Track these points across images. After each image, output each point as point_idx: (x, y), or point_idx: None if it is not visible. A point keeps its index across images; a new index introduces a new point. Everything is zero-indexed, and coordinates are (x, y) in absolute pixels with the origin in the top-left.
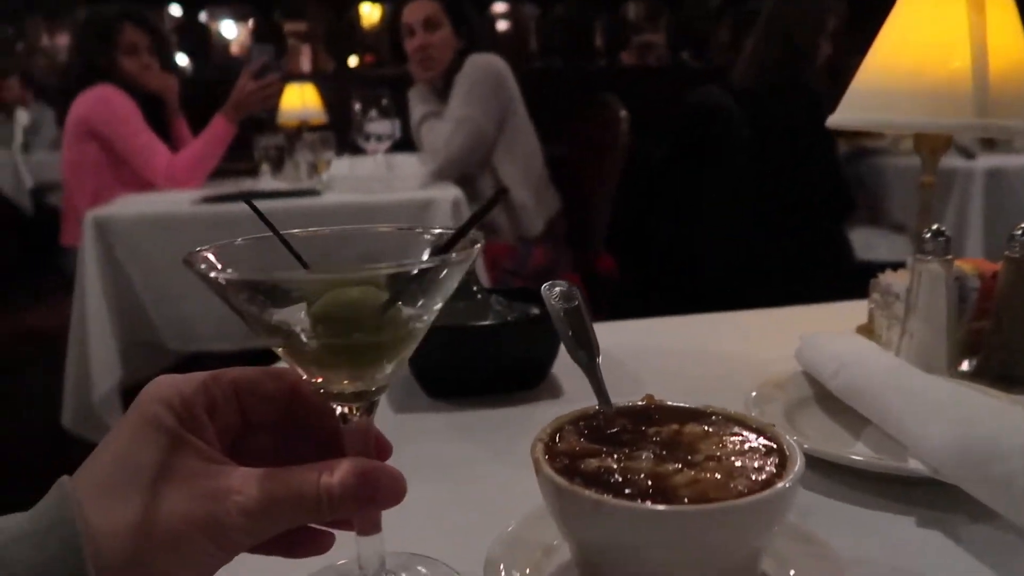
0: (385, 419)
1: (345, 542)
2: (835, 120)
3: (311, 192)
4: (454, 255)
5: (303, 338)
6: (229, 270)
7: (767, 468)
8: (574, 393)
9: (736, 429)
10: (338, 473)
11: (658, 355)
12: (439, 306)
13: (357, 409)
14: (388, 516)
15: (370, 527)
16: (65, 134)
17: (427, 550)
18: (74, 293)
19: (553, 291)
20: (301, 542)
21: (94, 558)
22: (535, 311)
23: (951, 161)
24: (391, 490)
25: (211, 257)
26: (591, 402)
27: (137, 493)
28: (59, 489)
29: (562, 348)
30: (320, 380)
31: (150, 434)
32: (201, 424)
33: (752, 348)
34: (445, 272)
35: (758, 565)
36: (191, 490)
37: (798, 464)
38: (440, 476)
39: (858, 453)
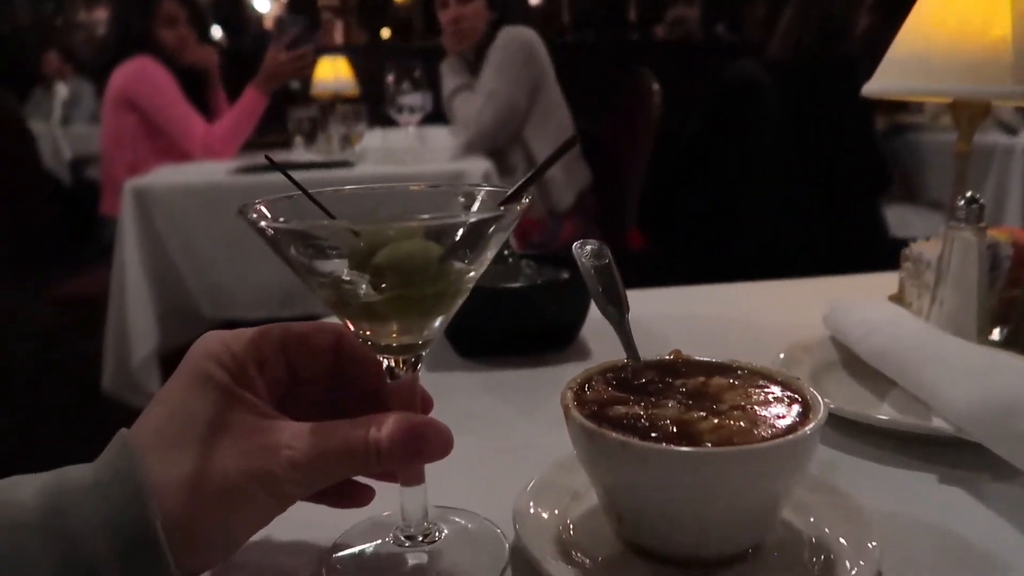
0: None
1: (388, 495)
2: (871, 88)
3: (344, 164)
4: (518, 206)
5: (357, 290)
6: (282, 219)
7: (790, 417)
8: (602, 355)
9: (761, 382)
10: (387, 427)
11: (687, 320)
12: (489, 260)
13: (404, 363)
14: (425, 468)
15: (415, 478)
16: (104, 106)
17: (460, 502)
18: (113, 262)
19: (584, 249)
20: (347, 494)
21: (157, 512)
22: (564, 275)
23: (992, 137)
24: (438, 444)
25: (263, 209)
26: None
27: (193, 447)
28: (120, 441)
29: (591, 310)
30: (369, 333)
31: (204, 390)
32: (251, 379)
33: (781, 315)
34: (501, 223)
35: (779, 512)
36: (245, 444)
37: (821, 413)
38: (472, 431)
39: (883, 414)
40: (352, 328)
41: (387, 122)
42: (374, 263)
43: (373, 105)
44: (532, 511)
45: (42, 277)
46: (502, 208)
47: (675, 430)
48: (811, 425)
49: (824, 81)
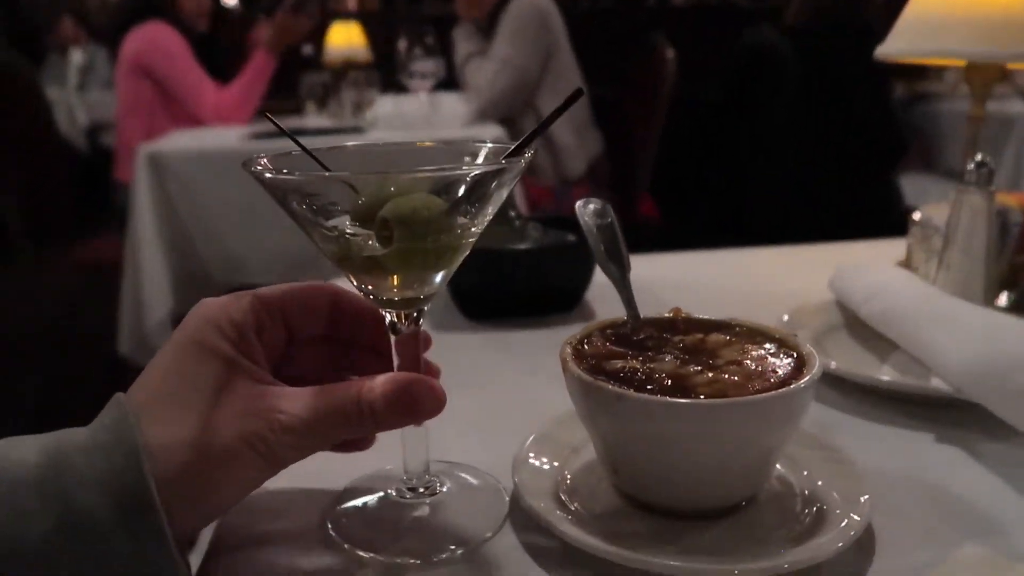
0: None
1: (391, 449)
2: (884, 50)
3: (355, 130)
4: (521, 160)
5: (360, 244)
6: (284, 171)
7: (785, 371)
8: (606, 317)
9: (759, 339)
10: (379, 387)
11: (693, 284)
12: (491, 214)
13: (406, 317)
14: (427, 425)
15: (415, 433)
16: (117, 71)
17: (462, 457)
18: (127, 227)
19: (587, 208)
20: (347, 442)
21: (152, 472)
22: (570, 238)
23: (1011, 106)
24: (430, 401)
25: (267, 162)
26: None
27: (190, 411)
28: (117, 406)
29: (596, 274)
30: (371, 287)
31: (203, 357)
32: (251, 345)
33: (788, 280)
34: (503, 177)
35: (772, 465)
36: (242, 410)
37: (815, 367)
38: (475, 389)
39: (884, 375)
40: (355, 282)
41: (399, 88)
42: (379, 216)
43: (385, 71)
44: (531, 464)
45: (59, 243)
46: (504, 161)
47: (670, 383)
48: (805, 379)
49: (843, 48)
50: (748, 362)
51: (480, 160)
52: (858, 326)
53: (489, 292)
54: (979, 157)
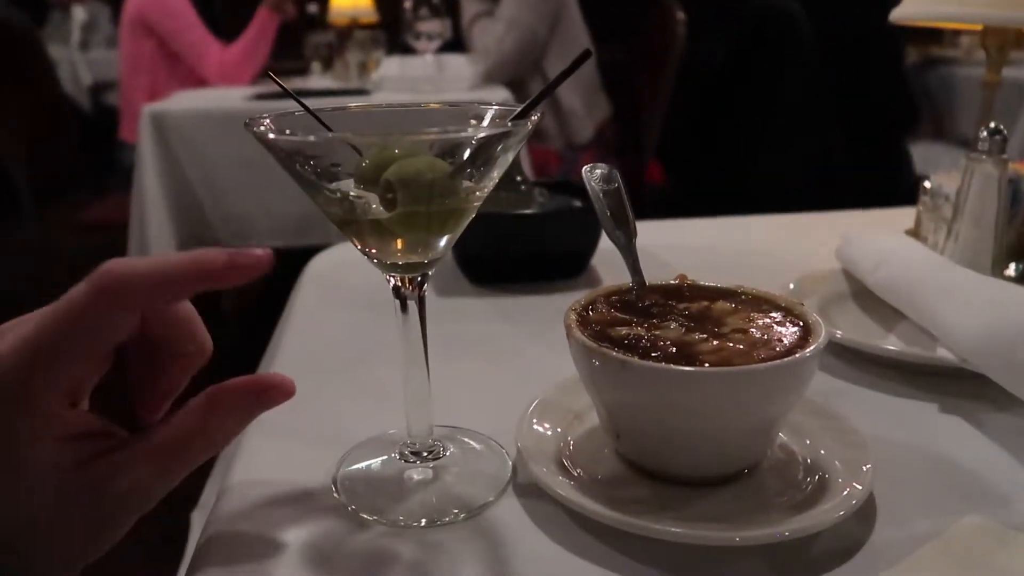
0: (429, 302)
1: (394, 415)
2: (900, 13)
3: (360, 91)
4: (527, 123)
5: (365, 207)
6: (287, 131)
7: (791, 340)
8: (612, 283)
9: (764, 307)
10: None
11: (699, 250)
12: (496, 178)
13: (410, 282)
14: (431, 389)
15: None
16: (121, 30)
17: (466, 422)
18: (132, 188)
19: (594, 173)
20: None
21: None
22: (576, 203)
23: None
24: (280, 384)
25: (270, 122)
26: None
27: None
28: None
29: (603, 240)
30: (375, 251)
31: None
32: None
33: (795, 247)
34: (509, 141)
35: (775, 433)
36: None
37: (821, 336)
38: (479, 355)
39: (889, 344)
40: (359, 246)
41: (405, 49)
42: (384, 178)
43: (391, 32)
44: (534, 429)
45: (64, 203)
46: (510, 124)
47: (675, 351)
48: (810, 348)
49: (854, 9)
50: (753, 330)
51: (486, 122)
52: (865, 295)
53: (495, 257)
54: (992, 124)
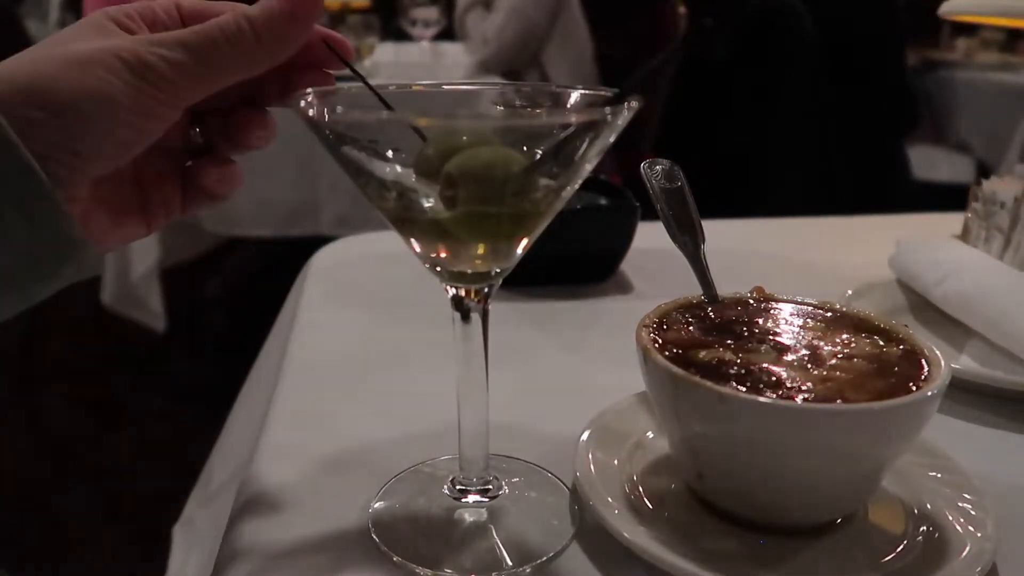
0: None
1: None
2: (949, 7)
3: (352, 79)
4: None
5: (423, 203)
6: (339, 108)
7: (906, 371)
8: (645, 290)
9: (863, 328)
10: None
11: (733, 256)
12: (583, 177)
13: (476, 293)
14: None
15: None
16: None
17: (509, 447)
18: None
19: (654, 169)
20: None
21: None
22: (602, 200)
23: None
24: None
25: (316, 99)
26: (664, 300)
27: (48, 46)
28: None
29: (636, 240)
30: (440, 256)
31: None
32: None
33: (835, 254)
34: (602, 131)
35: (881, 479)
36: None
37: (943, 370)
38: (512, 366)
39: (964, 366)
40: (419, 250)
41: (400, 36)
42: (445, 171)
43: (386, 17)
44: (593, 463)
45: None
46: (608, 110)
47: (774, 379)
48: (935, 384)
49: (859, 7)
50: (857, 358)
51: (570, 106)
52: (925, 310)
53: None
54: None
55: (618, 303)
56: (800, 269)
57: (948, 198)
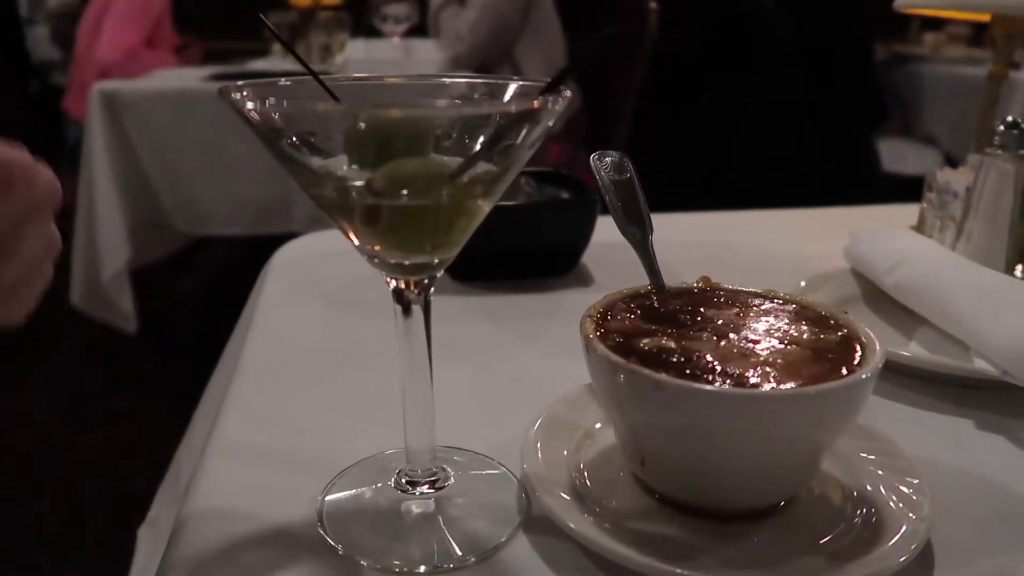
0: None
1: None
2: (904, 0)
3: (323, 75)
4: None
5: (359, 190)
6: (271, 100)
7: (842, 356)
8: (605, 283)
9: (804, 315)
10: None
11: (693, 248)
12: (518, 169)
13: (416, 285)
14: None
15: None
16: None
17: (460, 438)
18: (80, 171)
19: (603, 161)
20: None
21: None
22: (564, 194)
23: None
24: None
25: (248, 92)
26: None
27: None
28: None
29: (595, 233)
30: (374, 248)
31: None
32: None
33: (792, 246)
34: (535, 121)
35: (821, 461)
36: None
37: (878, 353)
38: (469, 360)
39: (912, 352)
40: (356, 241)
41: (371, 32)
42: (374, 187)
43: (357, 13)
44: (542, 452)
45: None
46: (538, 100)
47: (714, 366)
48: (870, 367)
49: (829, 5)
50: (795, 345)
51: (506, 98)
52: (877, 298)
53: (480, 252)
54: (1010, 118)
55: (578, 296)
56: (757, 260)
57: (917, 190)
